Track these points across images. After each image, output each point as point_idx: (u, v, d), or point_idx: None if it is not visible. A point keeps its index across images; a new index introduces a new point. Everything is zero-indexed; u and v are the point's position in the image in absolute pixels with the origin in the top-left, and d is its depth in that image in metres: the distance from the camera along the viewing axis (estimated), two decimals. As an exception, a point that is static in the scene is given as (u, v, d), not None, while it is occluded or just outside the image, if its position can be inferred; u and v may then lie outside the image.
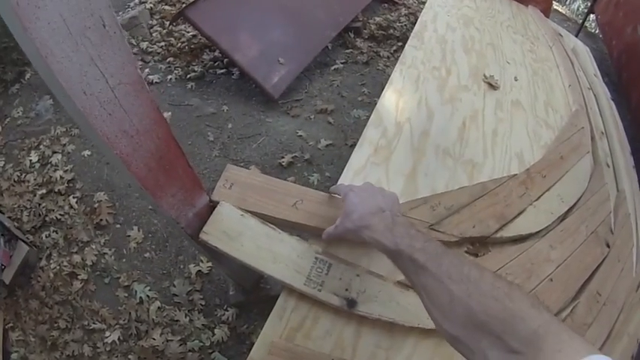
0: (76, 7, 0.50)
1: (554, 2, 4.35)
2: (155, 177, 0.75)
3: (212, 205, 0.89)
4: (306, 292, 0.73)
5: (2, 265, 1.62)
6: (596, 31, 3.26)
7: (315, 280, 0.74)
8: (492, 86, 1.47)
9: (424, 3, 2.03)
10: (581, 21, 3.09)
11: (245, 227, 0.81)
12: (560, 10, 4.12)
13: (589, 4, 3.03)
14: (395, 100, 1.25)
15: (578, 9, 4.25)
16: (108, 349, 1.54)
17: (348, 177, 0.97)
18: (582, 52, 2.18)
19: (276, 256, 0.76)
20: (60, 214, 1.95)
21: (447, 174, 1.06)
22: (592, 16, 3.05)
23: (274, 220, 0.84)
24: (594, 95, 1.85)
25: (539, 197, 1.15)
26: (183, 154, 0.82)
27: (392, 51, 2.94)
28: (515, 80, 1.59)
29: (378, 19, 3.13)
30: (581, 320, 1.06)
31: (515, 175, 1.15)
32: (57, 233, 1.89)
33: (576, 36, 2.94)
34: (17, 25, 0.46)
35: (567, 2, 4.36)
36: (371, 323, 0.77)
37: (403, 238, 0.62)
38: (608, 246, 1.24)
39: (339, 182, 0.93)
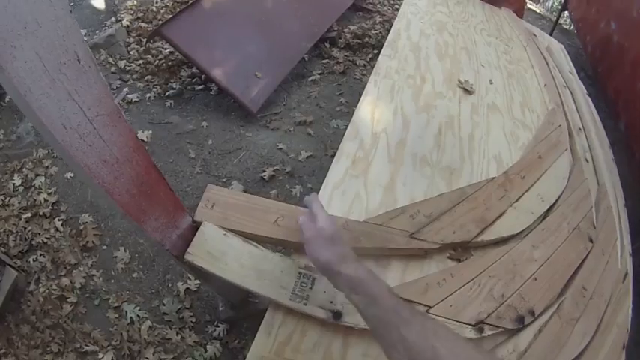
0: (51, 44, 0.55)
1: (527, 1, 4.62)
2: (137, 203, 0.80)
3: (195, 226, 0.94)
4: (292, 307, 0.79)
5: None
6: (571, 27, 3.47)
7: (300, 294, 0.80)
8: (467, 91, 1.58)
9: (398, 10, 2.16)
10: (555, 18, 3.30)
11: (228, 246, 0.86)
12: (534, 8, 4.37)
13: (562, 0, 3.23)
14: (370, 111, 1.34)
15: (552, 6, 4.52)
16: (101, 370, 1.57)
17: (327, 191, 1.04)
18: (557, 50, 2.33)
19: (261, 273, 0.82)
20: (46, 238, 2.01)
21: (426, 182, 1.15)
22: (566, 12, 3.26)
23: (257, 238, 0.91)
24: (570, 92, 1.98)
25: (518, 198, 1.24)
26: (163, 179, 0.89)
27: (368, 59, 3.09)
28: (491, 83, 1.71)
29: (353, 27, 3.28)
30: (568, 315, 1.13)
31: (494, 178, 1.24)
32: (44, 257, 1.94)
33: (551, 33, 3.14)
34: None
35: (541, 0, 4.63)
36: (358, 333, 0.83)
37: (387, 288, 0.66)
38: (591, 241, 1.33)
39: (319, 196, 1.00)
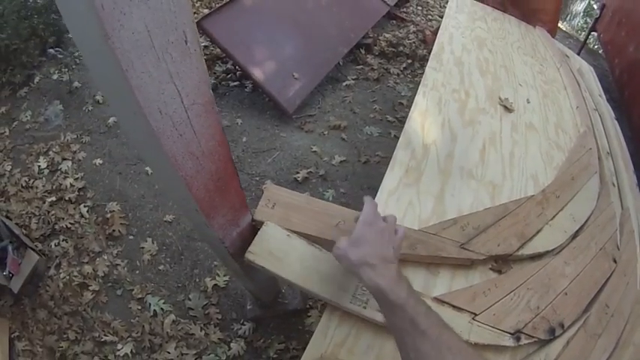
0: (162, 19, 0.46)
1: (556, 19, 4.48)
2: (212, 198, 0.76)
3: (254, 225, 0.94)
4: (352, 310, 0.80)
5: (10, 273, 1.59)
6: (597, 47, 3.37)
7: (360, 298, 0.81)
8: (507, 109, 1.56)
9: (431, 20, 2.11)
10: (583, 38, 3.20)
11: (291, 248, 0.86)
12: (561, 26, 4.24)
13: (590, 21, 3.13)
14: (420, 122, 1.33)
15: (578, 24, 4.38)
16: (120, 362, 1.52)
17: (383, 197, 1.05)
18: (587, 73, 2.28)
19: (323, 275, 0.82)
20: (70, 223, 1.92)
21: (472, 195, 1.14)
22: (594, 33, 3.16)
23: (318, 240, 0.90)
24: (599, 115, 1.94)
25: (554, 217, 1.23)
26: (237, 175, 0.85)
27: (402, 68, 3.01)
28: (528, 102, 1.68)
29: (387, 35, 3.21)
30: (592, 331, 1.13)
31: (533, 196, 1.23)
32: (67, 242, 1.85)
33: (578, 53, 3.05)
34: (97, 32, 0.40)
35: (568, 18, 4.48)
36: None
37: (409, 297, 0.62)
38: (615, 261, 1.32)
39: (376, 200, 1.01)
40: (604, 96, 2.14)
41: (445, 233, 0.97)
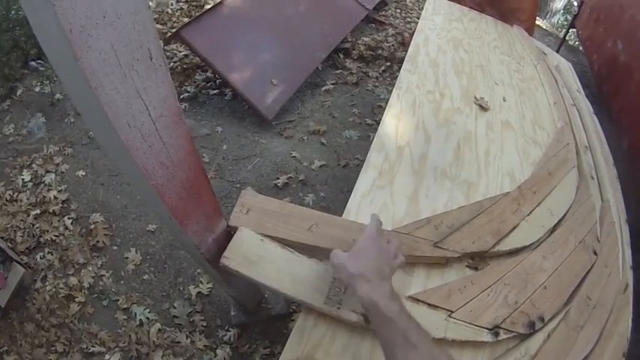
0: (127, 38, 0.53)
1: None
2: (184, 206, 0.82)
3: (229, 231, 0.99)
4: (327, 311, 0.85)
5: None
6: (576, 44, 3.55)
7: (334, 299, 0.86)
8: (483, 108, 1.65)
9: (410, 23, 2.22)
10: (562, 35, 3.37)
11: (265, 251, 0.92)
12: (541, 24, 4.45)
13: (570, 18, 3.31)
14: (394, 124, 1.41)
15: (558, 22, 4.59)
16: (108, 372, 1.58)
17: (356, 200, 1.11)
18: (565, 69, 2.40)
19: (296, 278, 0.88)
20: (55, 235, 1.99)
21: (446, 194, 1.21)
22: (573, 29, 3.33)
23: (292, 244, 0.96)
24: (578, 111, 2.05)
25: (530, 212, 1.31)
26: (208, 182, 0.91)
27: (380, 71, 3.15)
28: (504, 101, 1.77)
29: (366, 39, 3.35)
30: (574, 323, 1.20)
31: (508, 192, 1.31)
32: (52, 255, 1.93)
33: (558, 50, 3.21)
34: (68, 54, 0.46)
35: (547, 16, 4.70)
36: (386, 335, 0.90)
37: (401, 312, 0.68)
38: (595, 253, 1.40)
39: (347, 206, 1.07)
40: (582, 91, 2.26)
41: (418, 233, 1.04)
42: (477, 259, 1.13)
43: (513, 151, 1.52)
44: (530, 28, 2.68)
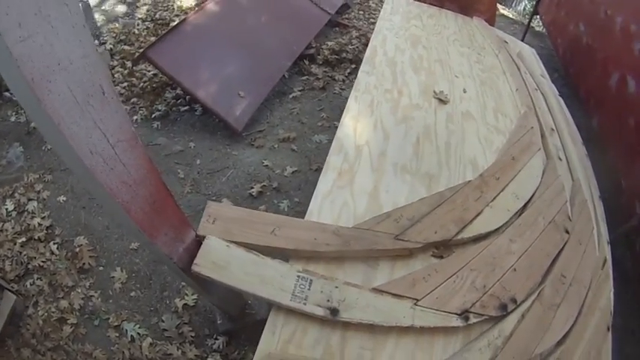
0: (80, 79, 0.67)
1: (500, 6, 4.98)
2: (150, 219, 0.94)
3: (198, 240, 1.08)
4: (293, 307, 0.94)
5: None
6: (543, 30, 3.79)
7: (300, 295, 0.95)
8: (442, 101, 1.79)
9: (374, 24, 2.39)
10: (527, 22, 3.61)
11: (232, 257, 1.01)
12: (507, 13, 4.73)
13: (534, 4, 3.55)
14: (353, 126, 1.53)
15: (524, 10, 4.89)
16: (105, 389, 1.66)
17: (317, 202, 1.21)
18: (528, 55, 2.59)
19: (263, 278, 0.97)
20: (42, 261, 2.12)
21: (407, 188, 1.32)
22: (538, 16, 3.57)
23: (257, 247, 1.05)
24: (542, 95, 2.22)
25: (494, 198, 1.43)
26: (171, 196, 1.03)
27: (346, 74, 3.35)
28: (464, 92, 1.92)
29: (330, 43, 3.54)
30: (549, 302, 1.30)
31: (470, 181, 1.43)
32: (41, 280, 2.05)
33: (523, 37, 3.44)
34: (32, 98, 0.60)
35: (513, 4, 5.00)
36: (354, 328, 0.98)
37: None
38: (567, 232, 1.52)
39: (309, 208, 1.17)
40: (547, 76, 2.44)
41: (379, 227, 1.14)
42: (442, 249, 1.23)
43: (475, 141, 1.65)
44: (491, 19, 2.88)
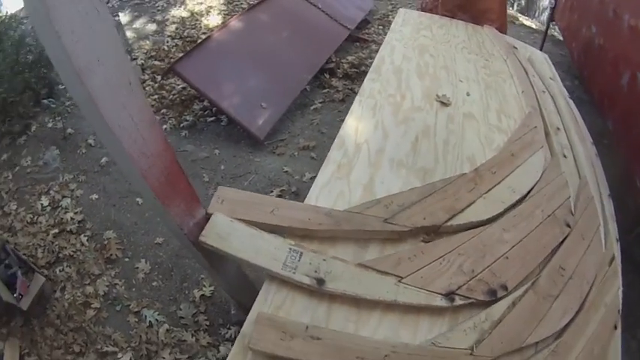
0: (113, 72, 0.87)
1: (522, 17, 4.94)
2: (164, 189, 1.08)
3: (208, 217, 1.21)
4: (283, 275, 1.04)
5: (20, 294, 1.95)
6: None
7: (290, 265, 1.05)
8: (444, 104, 1.85)
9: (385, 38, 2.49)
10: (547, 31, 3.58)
11: (233, 229, 1.14)
12: (529, 23, 4.69)
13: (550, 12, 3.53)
14: (355, 126, 1.63)
15: (546, 19, 4.82)
16: (120, 370, 1.82)
17: (315, 190, 1.31)
18: (539, 60, 2.59)
19: (258, 249, 1.08)
20: (72, 251, 2.33)
21: (401, 181, 1.40)
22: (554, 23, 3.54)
23: (256, 224, 1.17)
24: (551, 96, 2.21)
25: (489, 190, 1.46)
26: (184, 174, 1.17)
27: (366, 87, 3.45)
28: (468, 95, 1.97)
29: (350, 58, 3.67)
30: (545, 292, 1.30)
31: (465, 174, 1.48)
32: (70, 268, 2.25)
33: (541, 45, 3.41)
34: (80, 85, 0.79)
35: (536, 15, 4.94)
36: (340, 301, 1.06)
37: None
38: (568, 226, 1.51)
39: (308, 195, 1.27)
40: (558, 78, 2.43)
41: (369, 212, 1.22)
42: (433, 235, 1.29)
43: (475, 139, 1.69)
44: (503, 26, 2.90)
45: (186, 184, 1.15)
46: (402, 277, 1.12)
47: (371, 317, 1.07)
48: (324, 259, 1.08)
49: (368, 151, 1.50)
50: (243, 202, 1.21)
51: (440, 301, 1.14)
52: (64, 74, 0.84)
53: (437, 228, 1.28)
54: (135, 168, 0.96)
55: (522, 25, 4.49)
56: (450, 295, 1.17)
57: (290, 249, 1.08)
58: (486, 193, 1.45)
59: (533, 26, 4.53)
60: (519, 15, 4.80)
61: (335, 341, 1.00)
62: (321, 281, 1.04)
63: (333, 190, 1.33)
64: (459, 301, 1.17)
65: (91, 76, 0.80)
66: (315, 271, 1.05)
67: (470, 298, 1.19)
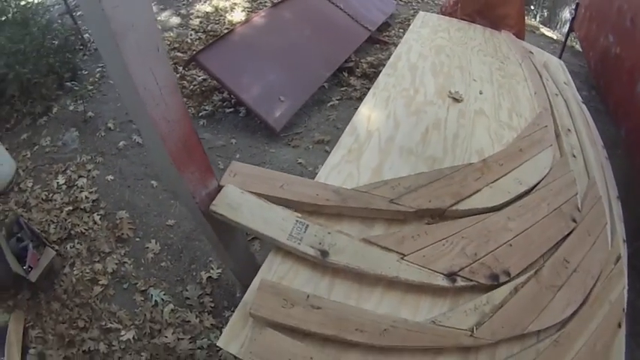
0: (143, 37, 0.92)
1: (544, 27, 4.89)
2: (181, 155, 1.12)
3: (220, 188, 1.25)
4: (289, 246, 1.08)
5: (30, 267, 1.98)
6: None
7: (296, 236, 1.09)
8: (456, 100, 1.87)
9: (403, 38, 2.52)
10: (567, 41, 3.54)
11: (243, 200, 1.18)
12: (550, 34, 4.64)
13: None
14: (367, 114, 1.66)
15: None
16: (122, 346, 1.85)
17: (325, 171, 1.35)
18: (554, 65, 2.57)
19: (266, 219, 1.12)
20: (84, 229, 2.37)
21: (409, 167, 1.42)
22: (574, 33, 3.50)
23: (266, 197, 1.20)
24: (564, 100, 2.20)
25: (495, 180, 1.47)
26: (200, 144, 1.21)
27: (383, 86, 3.47)
28: (480, 94, 1.98)
29: (369, 58, 3.72)
30: (547, 282, 1.30)
31: (472, 163, 1.49)
32: (81, 245, 2.29)
33: (560, 54, 3.38)
34: (113, 45, 0.85)
35: (557, 26, 4.89)
36: (342, 275, 1.09)
37: None
38: (574, 221, 1.51)
39: (318, 174, 1.31)
40: (572, 84, 2.41)
41: (376, 191, 1.25)
42: (438, 219, 1.30)
43: (485, 134, 1.71)
44: (520, 33, 2.90)
45: (202, 153, 1.19)
46: (404, 255, 1.14)
47: (372, 294, 1.09)
48: (329, 232, 1.11)
49: (379, 138, 1.53)
50: (254, 176, 1.25)
51: (441, 281, 1.16)
52: (99, 36, 0.90)
53: (442, 212, 1.30)
54: (155, 131, 1.00)
55: (543, 35, 4.45)
56: (451, 276, 1.18)
57: (297, 221, 1.12)
58: (493, 182, 1.46)
59: (554, 37, 4.49)
60: (541, 26, 4.76)
61: (335, 311, 1.03)
62: (324, 253, 1.07)
63: (342, 171, 1.36)
64: (460, 282, 1.18)
65: (124, 39, 0.85)
66: (320, 243, 1.09)
67: (472, 280, 1.20)
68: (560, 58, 3.38)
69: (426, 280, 1.14)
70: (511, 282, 1.26)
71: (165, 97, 1.01)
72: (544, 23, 5.11)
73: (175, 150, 1.07)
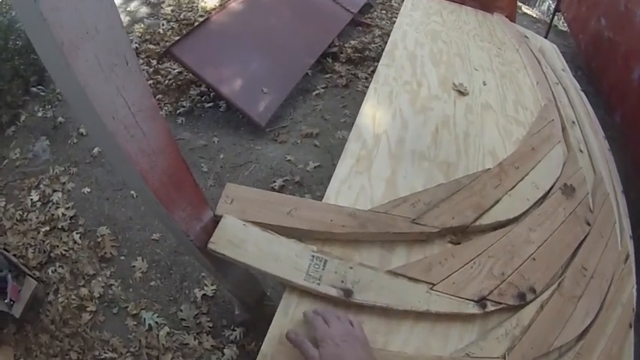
0: (106, 48, 0.67)
1: (523, 5, 4.76)
2: (168, 191, 0.90)
3: (216, 219, 1.05)
4: (307, 287, 0.89)
5: (12, 300, 1.74)
6: (566, 29, 3.59)
7: (314, 275, 0.90)
8: (462, 93, 1.70)
9: (395, 23, 2.30)
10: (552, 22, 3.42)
11: (247, 235, 0.97)
12: (530, 12, 4.51)
13: (556, 3, 3.36)
14: (371, 115, 1.46)
15: (548, 9, 4.65)
16: (120, 376, 1.66)
17: (335, 186, 1.16)
18: (549, 50, 2.44)
19: (277, 257, 0.93)
20: (64, 250, 2.11)
21: (424, 175, 1.25)
22: (560, 13, 3.37)
23: (273, 227, 1.01)
24: (564, 89, 2.08)
25: (513, 187, 1.33)
26: (190, 173, 0.99)
27: (369, 72, 3.26)
28: (484, 85, 1.82)
29: (353, 42, 3.46)
30: (569, 293, 1.20)
31: (489, 169, 1.34)
32: (63, 268, 2.04)
33: (546, 35, 3.25)
34: (62, 63, 0.60)
35: (537, 4, 4.76)
36: (368, 311, 0.93)
37: None
38: (588, 224, 1.41)
39: (327, 192, 1.12)
40: (568, 70, 2.29)
41: (395, 211, 1.07)
42: (460, 235, 1.15)
43: (494, 131, 1.56)
44: (512, 15, 2.73)
45: (193, 184, 0.96)
46: (433, 284, 0.99)
47: (401, 328, 0.94)
48: (351, 267, 0.93)
49: (388, 142, 1.35)
50: (255, 202, 1.04)
51: (472, 308, 1.02)
52: (43, 52, 0.64)
53: (465, 228, 1.15)
54: (133, 168, 0.77)
55: (525, 14, 4.32)
56: (481, 301, 1.04)
57: (313, 256, 0.93)
58: (511, 189, 1.32)
59: (534, 15, 4.36)
60: (521, 4, 4.62)
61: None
62: (348, 292, 0.90)
63: (353, 185, 1.17)
64: (490, 307, 1.05)
65: (76, 52, 0.60)
66: (342, 281, 0.91)
67: (501, 303, 1.07)
68: (545, 38, 3.27)
69: (456, 310, 1.00)
70: (537, 299, 1.14)
71: (142, 124, 0.76)
72: (522, 1, 4.97)
73: (160, 186, 0.85)
